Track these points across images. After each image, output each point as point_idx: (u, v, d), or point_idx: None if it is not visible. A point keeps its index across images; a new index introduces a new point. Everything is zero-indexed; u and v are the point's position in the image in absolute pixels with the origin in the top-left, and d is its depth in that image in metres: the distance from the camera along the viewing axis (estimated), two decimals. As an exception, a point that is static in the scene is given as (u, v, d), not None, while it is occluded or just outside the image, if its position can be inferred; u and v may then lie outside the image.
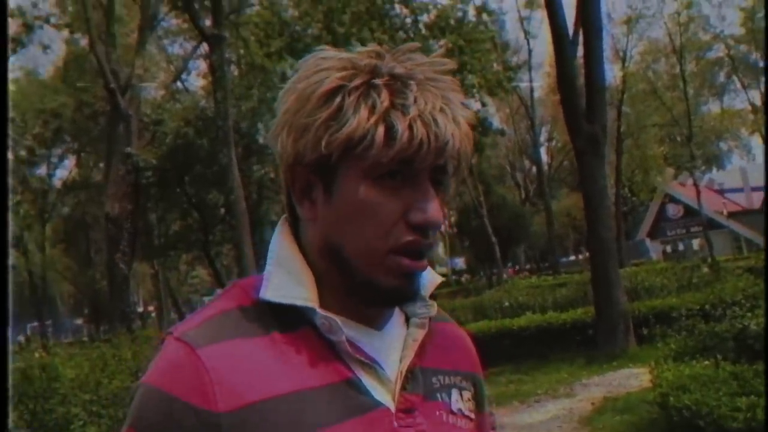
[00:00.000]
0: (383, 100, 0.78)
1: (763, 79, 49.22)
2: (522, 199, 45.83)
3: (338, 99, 0.79)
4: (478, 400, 0.99)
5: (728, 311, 6.77)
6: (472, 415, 0.94)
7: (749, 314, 6.24)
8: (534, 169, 44.55)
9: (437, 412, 0.88)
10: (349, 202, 0.81)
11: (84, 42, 24.63)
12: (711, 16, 47.47)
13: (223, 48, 15.83)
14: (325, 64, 0.82)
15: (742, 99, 56.60)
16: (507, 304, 14.62)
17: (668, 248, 41.75)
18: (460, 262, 50.95)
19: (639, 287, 13.53)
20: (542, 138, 47.16)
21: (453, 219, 42.19)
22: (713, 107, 49.78)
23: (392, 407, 0.84)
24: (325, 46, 0.87)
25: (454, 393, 0.93)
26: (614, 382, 9.01)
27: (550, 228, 36.30)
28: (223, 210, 22.04)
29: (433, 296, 0.94)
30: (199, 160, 20.69)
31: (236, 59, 22.19)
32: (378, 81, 0.79)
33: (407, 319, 0.93)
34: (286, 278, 0.85)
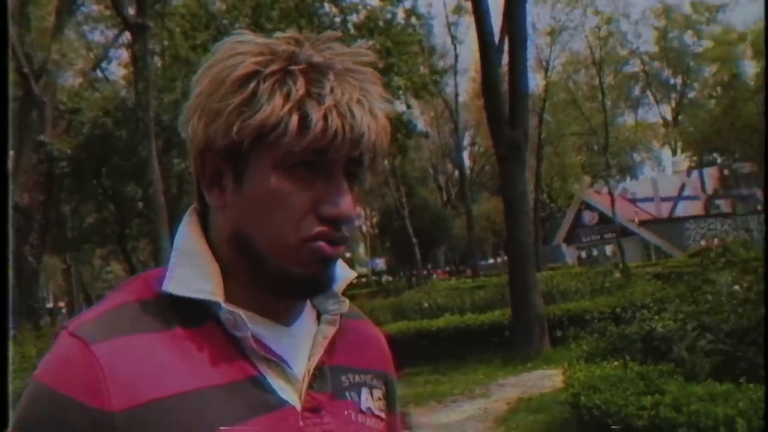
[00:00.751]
0: (299, 88, 0.75)
1: (673, 95, 51.59)
2: (443, 202, 46.43)
3: (252, 84, 0.76)
4: (389, 399, 0.97)
5: (637, 314, 7.02)
6: (383, 415, 0.92)
7: (656, 317, 6.49)
8: (456, 172, 45.18)
9: (345, 411, 0.86)
10: (259, 191, 0.78)
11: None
12: (628, 32, 49.46)
13: (147, 38, 15.40)
14: (241, 48, 0.79)
15: (655, 113, 59.15)
16: (426, 305, 14.73)
17: (583, 254, 43.14)
18: (381, 263, 51.23)
19: (554, 291, 13.88)
20: (465, 142, 47.94)
21: (375, 220, 42.37)
22: (628, 119, 51.91)
23: (298, 406, 0.81)
24: (243, 30, 0.84)
25: (364, 392, 0.91)
26: (529, 382, 9.21)
27: (470, 231, 36.91)
28: (140, 203, 21.48)
29: (348, 294, 0.92)
30: (118, 151, 20.12)
31: (160, 50, 21.62)
32: (294, 68, 0.77)
33: (319, 316, 0.91)
34: (191, 271, 0.81)
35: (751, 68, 43.36)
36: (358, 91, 0.78)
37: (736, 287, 6.63)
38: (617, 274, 16.20)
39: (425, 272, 37.20)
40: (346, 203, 0.79)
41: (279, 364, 0.82)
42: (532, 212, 23.62)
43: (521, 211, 11.89)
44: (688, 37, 49.10)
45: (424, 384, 9.97)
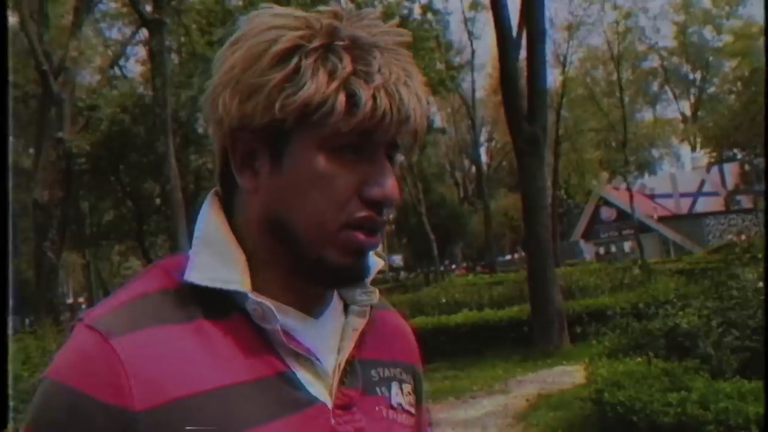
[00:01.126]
0: (345, 65, 0.72)
1: (693, 90, 51.13)
2: (461, 198, 46.29)
3: (295, 60, 0.72)
4: (417, 393, 0.93)
5: (660, 310, 6.93)
6: (413, 410, 0.89)
7: (680, 313, 6.39)
8: (473, 168, 45.06)
9: (377, 408, 0.83)
10: (302, 173, 0.74)
11: (14, 20, 23.68)
12: (647, 27, 48.96)
13: (164, 34, 15.42)
14: (277, 22, 0.75)
15: (673, 109, 58.68)
16: (444, 301, 14.74)
17: (601, 250, 42.83)
18: (398, 259, 51.27)
19: (573, 286, 13.80)
20: (482, 138, 47.79)
21: (392, 216, 42.23)
22: (647, 115, 51.55)
23: (329, 403, 0.77)
24: (272, 4, 0.79)
25: (394, 386, 0.87)
26: (548, 378, 9.15)
27: (488, 227, 36.77)
28: (158, 200, 21.60)
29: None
30: (135, 148, 20.24)
31: (177, 47, 21.71)
32: (338, 44, 0.73)
33: (345, 307, 0.86)
34: (215, 259, 0.76)
35: (772, 62, 42.85)
36: (404, 71, 0.75)
37: (761, 284, 6.52)
38: (636, 270, 16.06)
39: (442, 268, 37.10)
40: (392, 184, 0.76)
41: (308, 358, 0.77)
42: (550, 208, 23.44)
43: (540, 206, 11.82)
44: (708, 32, 48.67)
45: (442, 380, 9.93)
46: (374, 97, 0.72)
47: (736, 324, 5.80)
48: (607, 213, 43.10)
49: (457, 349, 11.41)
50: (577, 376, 7.86)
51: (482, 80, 45.13)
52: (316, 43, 0.73)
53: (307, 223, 0.75)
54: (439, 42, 25.80)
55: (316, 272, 0.77)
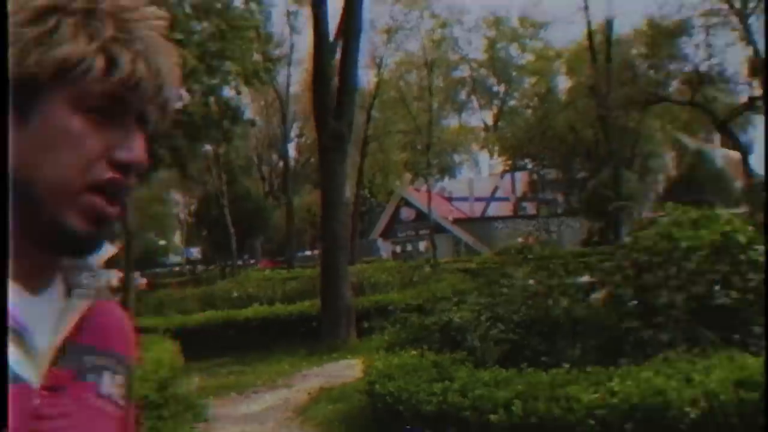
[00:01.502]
0: (107, 29, 0.73)
1: (496, 102, 54.59)
2: (266, 192, 45.85)
3: (56, 17, 0.72)
4: (128, 386, 0.90)
5: (438, 306, 7.24)
6: (122, 402, 0.86)
7: (455, 308, 6.74)
8: (281, 163, 44.82)
9: (85, 394, 0.79)
10: (50, 130, 0.73)
11: None
12: (460, 38, 51.06)
13: None
14: None
15: (477, 118, 62.07)
16: (236, 295, 14.61)
17: (398, 248, 44.46)
18: (196, 252, 49.82)
19: (365, 283, 14.15)
20: (293, 133, 47.68)
21: (192, 207, 40.96)
22: (452, 122, 54.06)
23: (36, 383, 0.73)
24: None
25: (106, 376, 0.84)
26: (333, 372, 9.27)
27: (290, 222, 36.74)
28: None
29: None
30: None
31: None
32: (100, 7, 0.74)
33: (68, 292, 0.83)
34: None
35: (563, 83, 46.83)
36: (163, 45, 0.78)
37: (531, 281, 7.04)
38: (427, 269, 16.76)
39: (240, 262, 36.52)
40: (141, 148, 0.77)
41: (21, 334, 0.72)
42: (353, 207, 23.88)
43: (338, 202, 11.97)
44: (514, 50, 51.91)
45: (227, 375, 9.81)
46: (133, 62, 0.73)
47: (503, 318, 6.21)
48: (406, 213, 44.83)
49: (246, 343, 11.27)
50: (359, 370, 7.99)
51: (298, 75, 44.86)
52: (78, 5, 0.73)
53: (50, 182, 0.73)
54: (259, 33, 25.32)
55: (52, 236, 0.75)
